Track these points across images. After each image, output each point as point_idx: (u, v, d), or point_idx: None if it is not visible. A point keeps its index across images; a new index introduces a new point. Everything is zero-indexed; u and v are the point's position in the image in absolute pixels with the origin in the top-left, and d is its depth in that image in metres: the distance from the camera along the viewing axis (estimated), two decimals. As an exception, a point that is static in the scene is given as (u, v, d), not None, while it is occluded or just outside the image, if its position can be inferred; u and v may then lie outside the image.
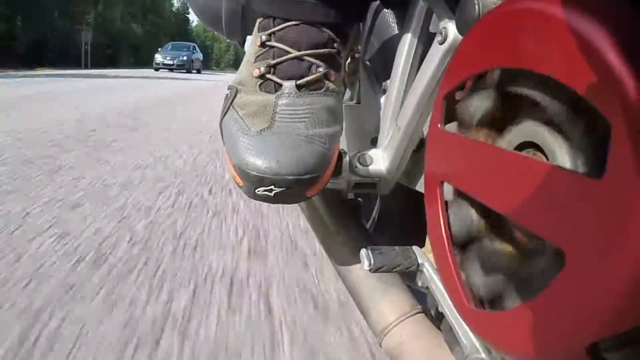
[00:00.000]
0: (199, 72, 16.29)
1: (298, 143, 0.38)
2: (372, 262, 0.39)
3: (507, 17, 0.24)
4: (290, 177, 0.37)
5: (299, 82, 0.41)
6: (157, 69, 15.22)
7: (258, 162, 0.37)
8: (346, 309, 0.84)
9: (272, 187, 0.37)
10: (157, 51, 16.44)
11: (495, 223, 0.29)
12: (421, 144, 0.44)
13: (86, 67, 14.68)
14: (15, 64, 11.52)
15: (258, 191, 0.38)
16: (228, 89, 0.45)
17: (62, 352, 0.67)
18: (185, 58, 15.60)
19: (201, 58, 17.80)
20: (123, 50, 19.03)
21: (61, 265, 0.94)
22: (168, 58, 15.42)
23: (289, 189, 0.37)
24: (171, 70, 15.22)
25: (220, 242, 1.13)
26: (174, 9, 31.67)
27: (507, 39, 0.24)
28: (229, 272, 0.97)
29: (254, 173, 0.37)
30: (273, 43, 0.42)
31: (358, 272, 0.49)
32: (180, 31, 30.28)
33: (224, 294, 0.88)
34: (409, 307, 0.45)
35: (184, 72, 14.80)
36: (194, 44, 18.64)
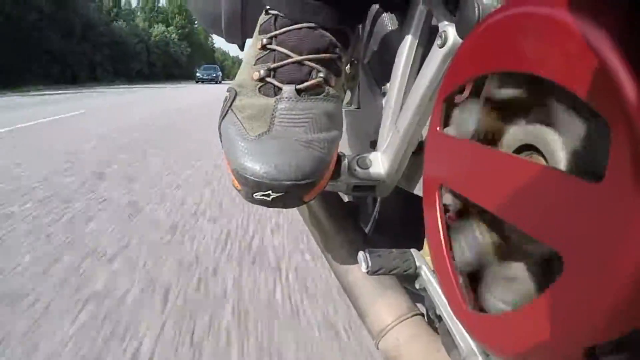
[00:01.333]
0: (220, 82, 27.10)
1: (296, 148, 0.38)
2: (370, 264, 0.39)
3: (506, 20, 0.24)
4: (287, 183, 0.36)
5: (299, 86, 0.40)
6: (197, 81, 26.85)
7: (256, 167, 0.37)
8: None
9: (270, 192, 0.37)
10: (196, 71, 29.49)
11: (494, 227, 0.29)
12: (420, 147, 0.44)
13: (195, 82, 29.83)
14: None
15: (256, 196, 0.38)
16: (227, 91, 0.45)
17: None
18: (214, 75, 27.31)
19: (221, 74, 29.42)
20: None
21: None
22: (205, 75, 27.15)
23: (286, 194, 0.37)
24: (202, 82, 26.45)
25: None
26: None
27: (506, 42, 0.24)
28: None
29: (252, 178, 0.37)
30: (274, 46, 0.41)
31: (356, 274, 0.49)
32: (211, 57, 50.66)
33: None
34: (406, 309, 0.45)
35: (213, 83, 25.76)
36: (217, 65, 32.71)
